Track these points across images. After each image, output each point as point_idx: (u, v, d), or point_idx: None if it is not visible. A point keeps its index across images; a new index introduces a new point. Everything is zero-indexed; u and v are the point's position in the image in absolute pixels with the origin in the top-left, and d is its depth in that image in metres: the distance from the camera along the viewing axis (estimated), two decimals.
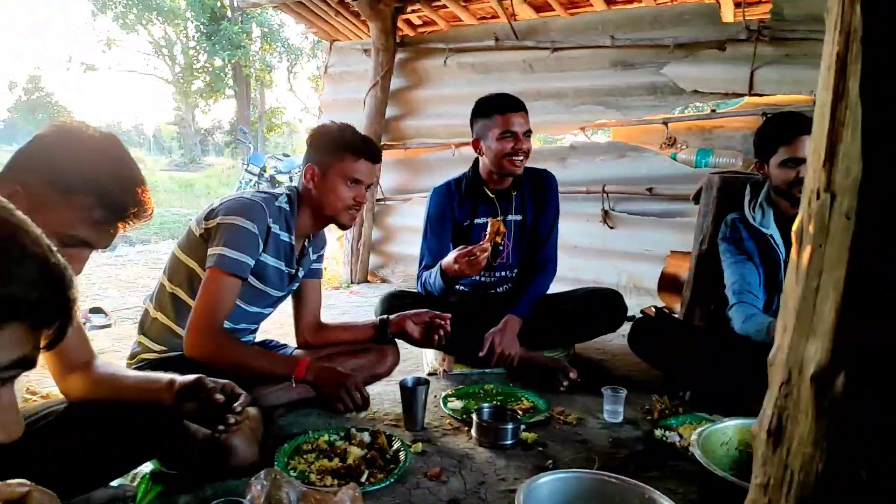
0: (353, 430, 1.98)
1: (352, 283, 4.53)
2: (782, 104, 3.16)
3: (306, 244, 2.16)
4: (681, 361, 2.35)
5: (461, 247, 2.41)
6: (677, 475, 1.84)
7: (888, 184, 0.59)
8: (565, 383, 2.45)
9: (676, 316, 3.31)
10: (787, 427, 0.67)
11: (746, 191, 2.38)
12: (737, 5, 3.89)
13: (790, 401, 0.67)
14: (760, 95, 3.21)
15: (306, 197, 2.06)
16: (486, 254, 2.35)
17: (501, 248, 2.66)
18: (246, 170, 9.43)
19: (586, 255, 3.69)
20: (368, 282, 4.61)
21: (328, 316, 3.68)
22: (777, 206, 2.27)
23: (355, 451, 1.83)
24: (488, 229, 2.41)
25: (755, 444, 0.75)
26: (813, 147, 0.68)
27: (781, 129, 2.20)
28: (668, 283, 3.48)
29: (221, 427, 1.40)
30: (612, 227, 3.59)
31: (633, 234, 3.53)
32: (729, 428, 1.73)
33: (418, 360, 2.76)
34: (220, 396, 1.37)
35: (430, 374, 2.61)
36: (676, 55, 3.38)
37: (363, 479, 1.72)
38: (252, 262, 1.91)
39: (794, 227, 0.70)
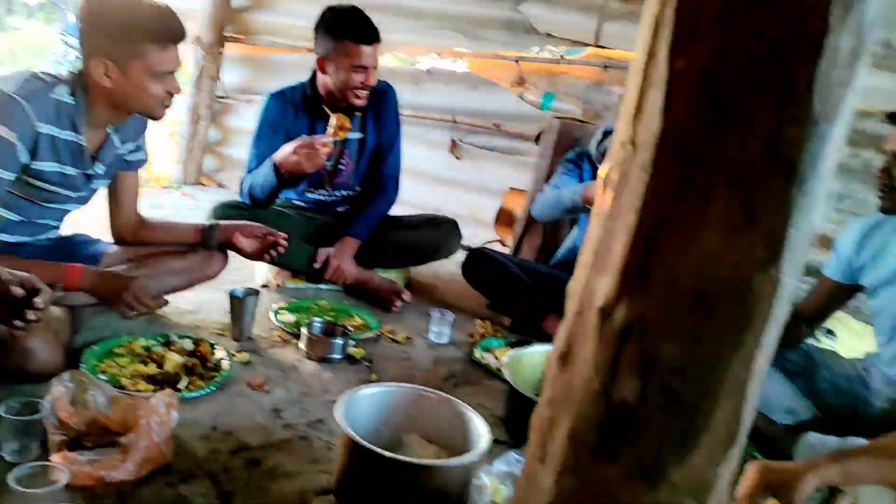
0: (174, 337, 1.91)
1: (184, 184, 4.23)
2: (621, 59, 3.37)
3: (111, 133, 1.84)
4: (504, 292, 2.53)
5: (303, 137, 2.31)
6: (489, 393, 2.01)
7: (681, 143, 0.66)
8: (398, 304, 2.54)
9: (507, 250, 3.53)
10: (574, 351, 0.76)
11: (598, 132, 2.53)
12: None
13: (578, 328, 0.76)
14: (604, 48, 3.40)
15: (99, 91, 1.69)
16: (327, 149, 2.26)
17: (343, 166, 2.63)
18: (63, 41, 8.21)
19: (431, 183, 3.76)
20: (202, 185, 4.33)
21: (153, 213, 3.42)
22: None
23: (174, 358, 1.77)
24: (332, 122, 2.32)
25: (548, 365, 0.84)
26: (626, 101, 0.75)
27: None
28: (504, 218, 3.67)
29: (19, 323, 1.28)
30: (458, 158, 3.68)
31: (478, 167, 3.65)
32: (537, 353, 1.92)
33: (251, 271, 2.69)
34: (17, 290, 1.24)
35: (262, 287, 2.56)
36: None
37: (181, 385, 1.68)
38: (11, 177, 1.62)
39: (602, 173, 0.78)
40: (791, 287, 0.69)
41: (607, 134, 2.51)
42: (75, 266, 1.73)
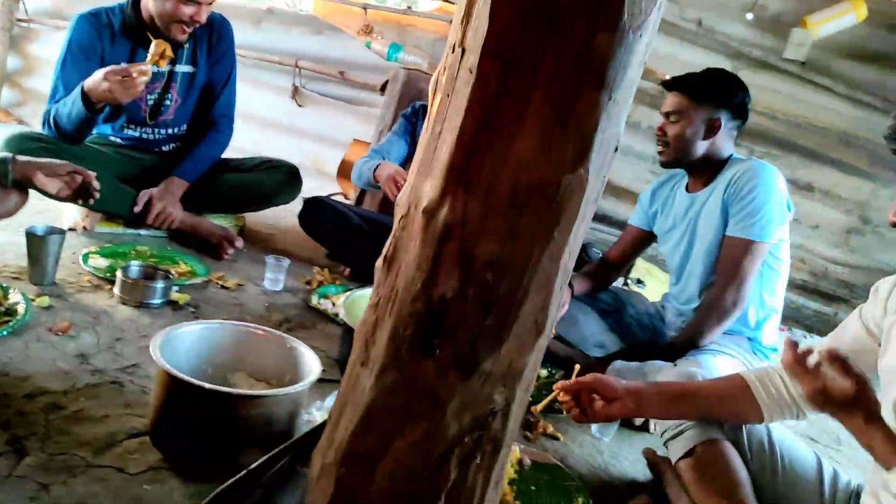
0: None
1: None
2: None
3: None
4: (344, 241, 2.49)
5: (118, 64, 2.07)
6: (326, 336, 1.98)
7: (504, 47, 0.67)
8: (230, 252, 2.40)
9: (348, 201, 3.48)
10: (399, 254, 0.76)
11: None
12: None
13: (405, 232, 0.75)
14: (451, 3, 3.42)
15: None
16: (145, 77, 2.05)
17: (168, 101, 2.42)
18: None
19: (271, 131, 3.59)
20: (0, 122, 3.76)
21: None
22: None
23: None
24: (152, 48, 2.12)
25: (375, 273, 0.84)
26: (458, 5, 0.74)
27: None
28: (346, 170, 3.60)
29: None
30: (300, 106, 3.54)
31: (321, 115, 3.54)
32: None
33: (58, 213, 2.39)
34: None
35: (69, 230, 2.28)
36: None
37: None
38: None
39: (433, 77, 0.77)
40: (597, 188, 0.74)
41: None
42: None
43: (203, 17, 2.23)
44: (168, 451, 1.23)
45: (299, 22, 3.53)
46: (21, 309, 1.60)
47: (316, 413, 1.43)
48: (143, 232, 2.42)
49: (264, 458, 0.87)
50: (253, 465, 0.87)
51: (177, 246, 2.38)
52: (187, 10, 2.17)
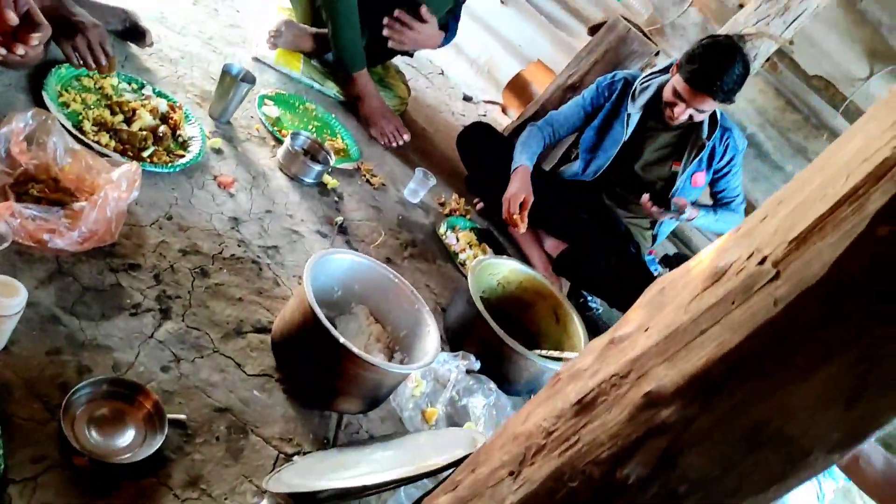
0: (149, 89, 1.71)
1: None
2: None
3: None
4: (488, 174, 2.42)
5: None
6: (441, 276, 2.01)
7: (834, 301, 0.59)
8: (399, 143, 2.41)
9: (506, 119, 3.36)
10: (598, 407, 0.73)
11: (658, 60, 2.35)
12: None
13: (614, 392, 0.72)
14: None
15: None
16: None
17: None
18: None
19: (463, 13, 3.40)
20: None
21: None
22: (657, 98, 2.25)
23: (145, 118, 1.60)
24: None
25: (557, 381, 0.81)
26: (789, 211, 0.65)
27: (699, 71, 2.00)
28: (517, 87, 3.45)
29: (2, 52, 1.07)
30: (503, 3, 3.32)
31: (519, 22, 3.33)
32: (504, 264, 1.90)
33: (248, 33, 2.39)
34: (11, 15, 1.02)
35: (255, 59, 2.30)
36: None
37: (146, 154, 1.54)
38: None
39: (721, 263, 0.69)
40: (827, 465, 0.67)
41: (663, 71, 2.30)
42: None
43: None
44: (283, 363, 1.31)
45: None
46: (195, 147, 1.66)
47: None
48: (315, 85, 2.42)
49: (381, 481, 0.91)
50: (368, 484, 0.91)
51: (341, 115, 2.38)
52: None
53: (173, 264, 1.35)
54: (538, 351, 1.73)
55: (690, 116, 2.11)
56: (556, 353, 1.71)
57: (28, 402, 0.96)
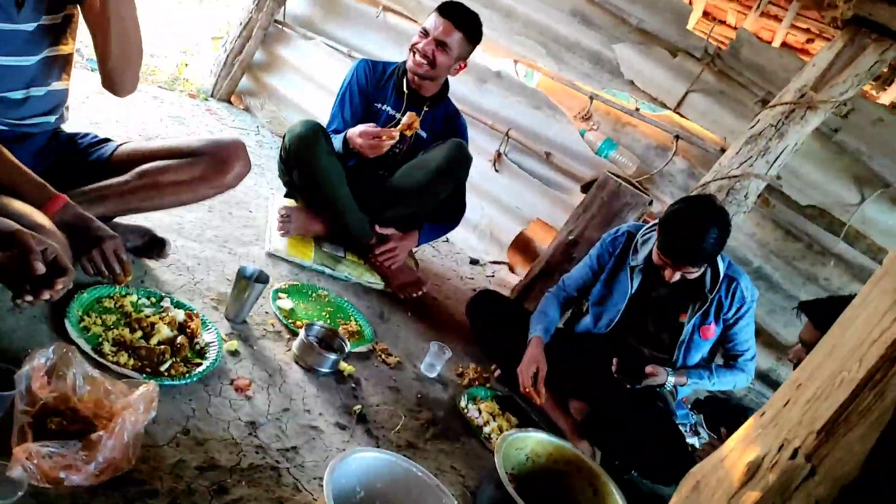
0: (167, 301, 1.78)
1: (212, 97, 4.01)
2: (696, 134, 3.24)
3: None
4: (501, 340, 2.41)
5: (372, 125, 2.41)
6: (466, 455, 1.93)
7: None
8: (418, 293, 2.58)
9: (514, 278, 3.42)
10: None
11: (650, 224, 2.38)
12: (705, 15, 3.84)
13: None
14: (682, 116, 3.25)
15: None
16: (392, 141, 2.37)
17: (398, 150, 2.56)
18: None
19: None
20: (231, 103, 4.11)
21: (172, 130, 3.24)
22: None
23: (163, 331, 1.65)
24: (404, 119, 2.44)
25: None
26: (810, 397, 0.64)
27: (671, 245, 2.02)
28: (520, 245, 3.56)
29: (29, 299, 1.12)
30: (497, 171, 3.53)
31: (514, 187, 3.51)
32: (530, 438, 1.83)
33: (260, 231, 2.54)
34: (40, 265, 1.09)
35: (268, 253, 2.41)
36: (632, 38, 3.27)
37: (163, 368, 1.56)
38: None
39: (751, 457, 0.67)
40: None
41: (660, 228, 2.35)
42: (59, 197, 1.47)
43: (429, 49, 2.46)
44: None
45: (521, 93, 3.51)
46: (212, 353, 1.69)
47: None
48: (327, 270, 2.51)
49: None
50: None
51: (353, 297, 2.44)
52: (416, 42, 2.50)
53: (190, 484, 1.31)
54: None
55: (683, 276, 2.10)
56: None
57: None
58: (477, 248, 3.68)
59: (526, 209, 3.49)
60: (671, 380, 2.15)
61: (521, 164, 3.49)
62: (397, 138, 2.37)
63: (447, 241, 3.61)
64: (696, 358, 2.26)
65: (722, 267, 2.18)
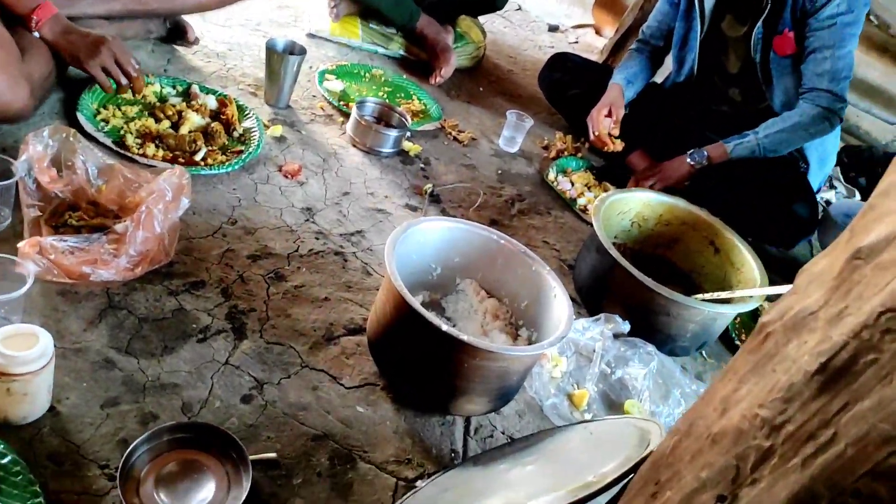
0: (196, 88, 1.54)
1: None
2: None
3: None
4: (579, 106, 2.02)
5: None
6: (559, 227, 1.69)
7: None
8: (439, 77, 2.09)
9: (601, 41, 2.93)
10: (864, 376, 0.41)
11: None
12: None
13: (890, 343, 0.39)
14: None
15: None
16: None
17: None
18: None
19: None
20: None
21: None
22: None
23: (193, 119, 1.43)
24: None
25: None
26: None
27: None
28: (606, 1, 3.00)
29: None
30: None
31: None
32: (634, 198, 1.54)
33: (298, 11, 2.19)
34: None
35: (310, 35, 2.09)
36: None
37: (198, 157, 1.36)
38: None
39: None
40: None
41: None
42: (48, 6, 1.23)
43: None
44: (386, 367, 1.07)
45: None
46: (255, 138, 1.47)
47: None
48: (380, 49, 2.17)
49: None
50: None
51: (412, 75, 2.11)
52: None
53: (242, 274, 1.15)
54: (700, 295, 1.36)
55: None
56: (725, 294, 1.35)
57: (81, 472, 0.79)
58: (556, 12, 3.16)
59: None
60: (701, 156, 1.70)
61: None
62: None
63: (519, 8, 3.10)
64: (788, 89, 1.74)
65: None
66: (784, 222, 1.65)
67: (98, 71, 1.27)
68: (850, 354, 0.45)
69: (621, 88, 1.84)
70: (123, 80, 1.30)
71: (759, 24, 1.68)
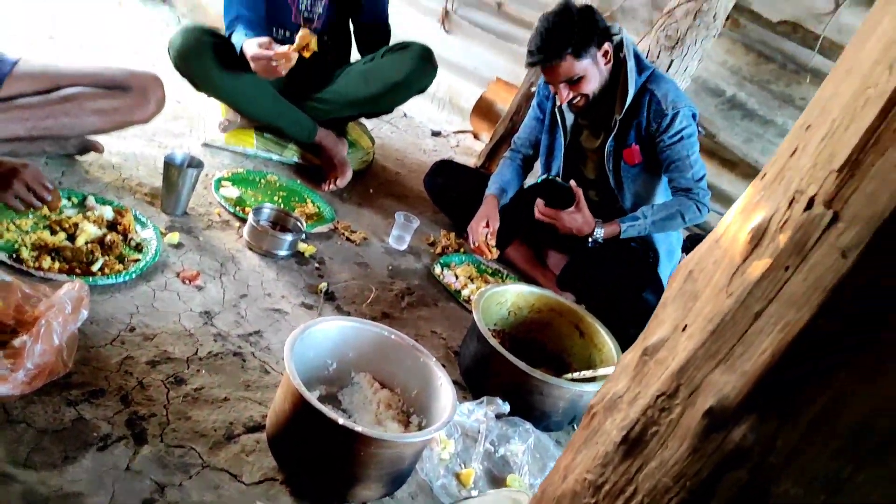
0: (91, 200, 1.59)
1: None
2: None
3: None
4: (470, 212, 2.26)
5: (266, 42, 1.88)
6: (446, 317, 1.84)
7: None
8: (331, 186, 2.23)
9: (479, 145, 3.24)
10: (650, 444, 0.57)
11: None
12: None
13: (665, 419, 0.55)
14: None
15: None
16: (290, 64, 1.87)
17: (320, 10, 2.26)
18: None
19: None
20: None
21: (81, 30, 2.89)
22: None
23: (89, 230, 1.48)
24: (297, 39, 1.86)
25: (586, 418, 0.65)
26: (825, 134, 0.50)
27: (528, 53, 1.88)
28: (482, 109, 3.34)
29: None
30: (447, 32, 3.25)
31: (468, 47, 3.24)
32: (509, 290, 1.74)
33: (193, 121, 2.31)
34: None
35: (205, 144, 2.20)
36: None
37: (95, 268, 1.40)
38: None
39: (755, 222, 0.54)
40: None
41: None
42: None
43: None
44: (284, 462, 1.14)
45: None
46: (152, 247, 1.54)
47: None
48: (274, 156, 2.31)
49: None
50: None
51: (305, 180, 2.26)
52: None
53: (142, 380, 1.20)
54: (569, 375, 1.55)
55: (581, 96, 1.92)
56: (588, 374, 1.54)
57: None
58: (437, 118, 3.47)
59: (484, 69, 3.26)
60: (600, 231, 1.97)
61: (473, 20, 3.21)
62: (294, 60, 1.88)
63: (405, 115, 3.38)
64: (637, 192, 2.07)
65: (634, 81, 1.93)
66: (637, 309, 1.90)
67: (13, 202, 1.35)
68: (641, 427, 0.61)
69: (497, 200, 2.10)
70: (38, 204, 1.38)
71: (611, 138, 2.01)
